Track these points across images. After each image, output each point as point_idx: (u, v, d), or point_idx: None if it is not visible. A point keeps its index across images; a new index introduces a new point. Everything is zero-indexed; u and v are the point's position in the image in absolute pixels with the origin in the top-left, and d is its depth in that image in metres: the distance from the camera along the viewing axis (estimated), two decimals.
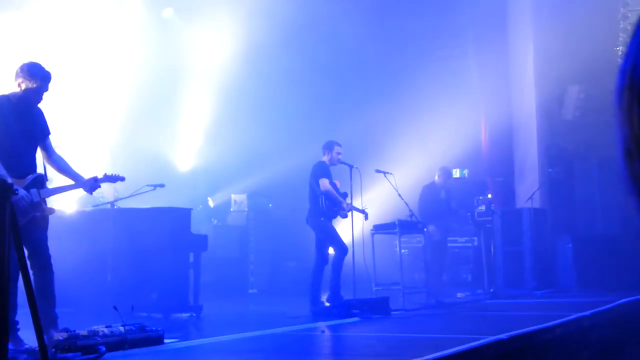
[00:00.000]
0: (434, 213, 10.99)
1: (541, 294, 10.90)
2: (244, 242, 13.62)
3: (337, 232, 9.11)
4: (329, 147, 9.24)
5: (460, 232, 11.74)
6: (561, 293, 11.04)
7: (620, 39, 12.62)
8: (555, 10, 12.94)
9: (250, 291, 13.25)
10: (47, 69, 5.78)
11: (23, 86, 5.69)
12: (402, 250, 10.87)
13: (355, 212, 9.33)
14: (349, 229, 9.23)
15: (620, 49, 12.68)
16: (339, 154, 9.23)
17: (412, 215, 10.43)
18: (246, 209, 13.76)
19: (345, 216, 9.24)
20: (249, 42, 13.56)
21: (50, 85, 5.79)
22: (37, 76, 5.71)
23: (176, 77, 13.69)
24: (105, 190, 9.86)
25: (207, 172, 14.35)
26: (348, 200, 9.24)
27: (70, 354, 4.81)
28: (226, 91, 13.62)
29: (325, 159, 9.22)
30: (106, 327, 5.33)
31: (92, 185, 6.00)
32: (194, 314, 8.59)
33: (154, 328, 5.59)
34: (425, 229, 10.65)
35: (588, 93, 13.00)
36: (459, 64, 13.92)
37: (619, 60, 12.33)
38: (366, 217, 9.51)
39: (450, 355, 4.45)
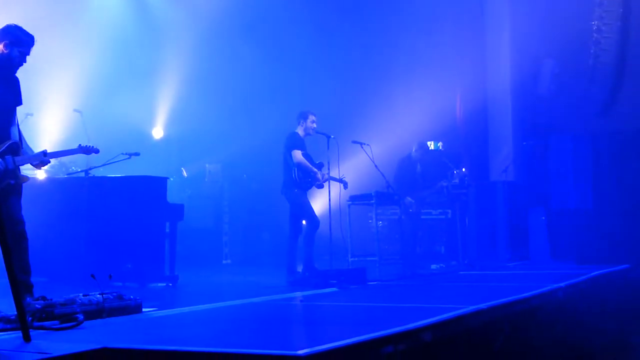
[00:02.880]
0: (409, 186, 10.99)
1: (514, 266, 11.00)
2: (219, 213, 13.57)
3: (310, 205, 9.12)
4: (303, 116, 9.22)
5: (435, 205, 11.74)
6: (534, 264, 11.15)
7: (596, 13, 12.65)
8: None
9: (224, 262, 13.22)
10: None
11: (6, 50, 5.53)
12: (378, 222, 10.87)
13: (333, 182, 9.29)
14: (326, 199, 9.21)
15: (595, 24, 12.72)
16: (313, 122, 9.20)
17: (388, 187, 10.44)
18: (220, 180, 13.67)
19: (321, 186, 9.24)
20: (225, 12, 13.43)
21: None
22: (22, 39, 5.56)
23: (151, 45, 13.49)
24: (78, 159, 9.71)
25: (181, 141, 14.21)
26: (325, 170, 9.20)
27: (47, 322, 4.72)
28: (201, 61, 13.48)
29: (300, 129, 9.20)
30: (84, 295, 5.25)
31: (41, 159, 5.87)
32: (170, 284, 8.53)
33: (132, 297, 5.51)
34: (401, 201, 10.65)
35: (563, 68, 13.04)
36: (435, 38, 13.86)
37: (594, 35, 12.42)
38: (345, 186, 9.51)
39: (432, 325, 4.44)
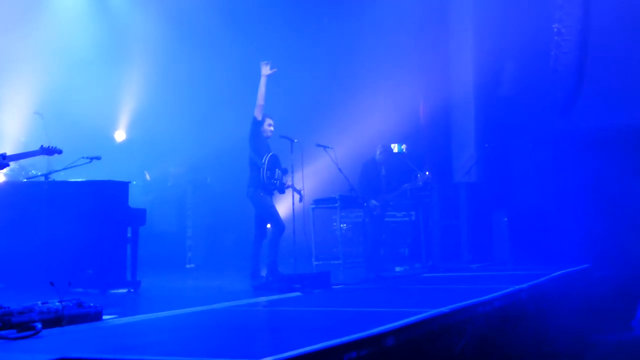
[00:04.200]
0: (374, 189, 11.00)
1: (477, 267, 11.07)
2: (182, 217, 13.45)
3: (275, 209, 9.10)
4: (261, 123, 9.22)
5: (399, 207, 11.81)
6: (496, 266, 11.24)
7: (556, 16, 12.79)
8: None
9: (187, 266, 13.11)
10: None
11: None
12: (342, 225, 10.88)
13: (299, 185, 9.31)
14: (290, 202, 9.21)
15: (556, 26, 12.87)
16: (270, 125, 9.21)
17: (352, 190, 10.46)
18: (184, 183, 13.56)
19: (283, 192, 9.24)
20: (188, 14, 13.35)
21: None
22: None
23: (113, 47, 13.34)
24: (39, 162, 9.56)
25: (144, 145, 14.05)
26: (289, 177, 9.19)
27: (3, 332, 4.63)
28: (164, 63, 13.36)
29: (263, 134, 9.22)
30: (42, 303, 5.15)
31: (0, 162, 5.75)
32: (132, 290, 8.42)
33: (92, 304, 5.43)
34: (365, 204, 10.66)
35: (524, 70, 13.16)
36: (398, 40, 13.91)
37: (555, 37, 12.56)
38: (301, 199, 9.45)
39: (394, 329, 4.44)
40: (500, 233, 11.86)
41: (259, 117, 9.06)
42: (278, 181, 9.08)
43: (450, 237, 11.72)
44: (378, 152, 11.27)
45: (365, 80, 14.16)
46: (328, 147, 10.05)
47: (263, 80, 9.03)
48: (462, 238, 11.65)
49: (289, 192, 9.32)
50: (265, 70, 9.03)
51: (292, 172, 9.27)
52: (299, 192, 9.41)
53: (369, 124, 13.13)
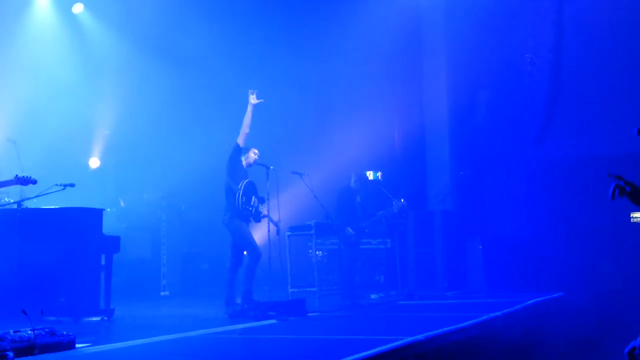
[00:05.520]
0: (349, 216, 11.00)
1: (452, 295, 11.12)
2: (157, 244, 13.35)
3: (251, 236, 9.10)
4: (245, 151, 9.27)
5: (374, 234, 11.82)
6: (471, 294, 11.30)
7: (530, 45, 13.00)
8: (468, 19, 13.22)
9: (162, 293, 13.00)
10: None
11: None
12: (318, 252, 10.89)
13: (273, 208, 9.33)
14: (265, 229, 9.22)
15: (529, 56, 13.08)
16: (255, 154, 9.30)
17: (328, 217, 10.48)
18: (159, 210, 13.50)
19: (259, 220, 9.24)
20: (160, 38, 13.39)
21: None
22: None
23: (86, 72, 13.31)
24: (12, 189, 9.48)
25: (118, 171, 14.00)
26: (265, 207, 9.23)
27: None
28: (139, 89, 13.34)
29: (243, 161, 9.26)
30: (14, 332, 5.10)
31: None
32: (105, 318, 8.35)
33: (64, 332, 5.38)
34: (341, 231, 10.67)
35: (498, 98, 13.33)
36: (372, 68, 14.04)
37: (528, 67, 12.75)
38: (277, 232, 9.44)
39: (369, 357, 4.45)
40: (475, 261, 11.93)
41: (242, 144, 9.11)
42: (254, 208, 9.08)
43: (426, 264, 11.75)
44: (353, 180, 11.28)
45: (341, 107, 14.28)
46: (303, 174, 10.07)
47: (250, 109, 9.11)
48: (438, 266, 11.69)
49: (265, 220, 9.31)
50: (253, 99, 9.11)
51: (269, 201, 9.27)
52: (275, 224, 9.40)
53: (344, 151, 13.20)
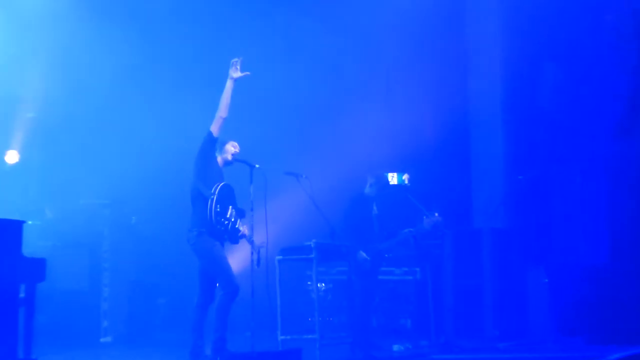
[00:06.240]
0: (363, 234, 10.98)
1: (506, 347, 11.04)
2: (96, 270, 13.30)
3: (226, 261, 9.05)
4: (220, 145, 9.31)
5: (398, 261, 11.78)
6: (532, 346, 11.24)
7: (611, 4, 12.96)
8: None
9: (102, 339, 12.95)
10: None
11: None
12: (319, 284, 10.84)
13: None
14: (246, 251, 9.16)
15: (611, 18, 13.03)
16: (235, 147, 9.34)
17: (333, 235, 10.42)
18: (100, 224, 13.44)
19: (236, 241, 9.25)
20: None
21: None
22: None
23: (5, 31, 13.31)
24: None
25: (45, 170, 13.96)
26: (246, 225, 9.18)
27: None
28: (74, 54, 13.39)
29: (219, 160, 9.29)
30: None
31: None
32: None
33: None
34: (351, 255, 10.62)
35: (569, 75, 13.29)
36: (398, 39, 14.05)
37: (612, 35, 12.69)
38: (258, 263, 9.30)
39: None
40: (538, 299, 11.86)
41: (216, 133, 9.06)
42: (230, 223, 9.01)
43: (469, 303, 11.72)
44: (369, 184, 11.28)
45: (354, 89, 14.25)
46: (301, 176, 10.08)
47: (229, 85, 9.11)
48: (486, 305, 11.63)
49: (245, 242, 9.27)
50: (235, 71, 9.08)
51: (252, 215, 9.19)
52: (257, 249, 9.29)
53: (358, 146, 13.15)
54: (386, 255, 11.41)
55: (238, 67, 9.11)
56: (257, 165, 9.31)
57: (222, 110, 9.07)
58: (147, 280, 13.90)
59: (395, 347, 11.12)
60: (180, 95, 13.72)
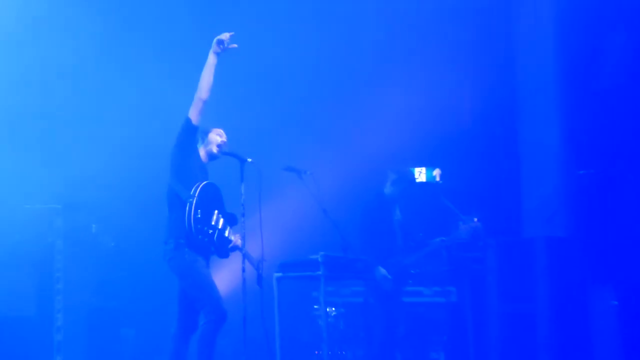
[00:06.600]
0: (383, 246, 10.93)
1: None
2: (46, 293, 13.27)
3: (210, 280, 9.08)
4: (202, 134, 9.39)
5: (426, 279, 11.74)
6: None
7: None
8: None
9: None
10: None
11: None
12: (328, 309, 10.81)
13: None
14: (237, 267, 9.09)
15: None
16: (220, 136, 9.43)
17: (345, 246, 10.35)
18: (51, 233, 13.39)
19: (226, 255, 9.34)
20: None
21: None
22: None
23: None
24: None
25: None
26: (238, 234, 9.19)
27: None
28: (19, 21, 13.38)
29: (201, 151, 9.38)
30: None
31: None
32: None
33: None
34: (368, 272, 10.56)
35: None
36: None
37: None
38: (259, 281, 9.23)
39: None
40: (604, 326, 11.79)
41: (196, 120, 9.05)
42: (216, 232, 8.98)
43: (519, 332, 11.65)
44: (390, 182, 11.27)
45: (369, 60, 14.33)
46: (305, 172, 10.10)
47: (212, 60, 9.09)
48: (540, 335, 11.56)
49: (237, 256, 9.19)
50: (215, 46, 9.08)
51: (244, 221, 9.13)
52: (256, 263, 9.27)
53: (376, 133, 13.12)
54: (412, 272, 11.40)
55: (227, 38, 9.06)
56: (249, 159, 9.26)
57: (202, 91, 9.05)
58: (110, 305, 13.90)
59: None
60: (154, 77, 13.76)
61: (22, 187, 13.65)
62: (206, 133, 9.33)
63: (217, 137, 9.33)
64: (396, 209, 11.35)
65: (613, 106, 13.27)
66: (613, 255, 12.40)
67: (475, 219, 11.50)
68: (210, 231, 8.97)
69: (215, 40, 9.03)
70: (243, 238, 9.18)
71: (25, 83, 13.41)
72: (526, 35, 14.09)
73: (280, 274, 10.23)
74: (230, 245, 9.21)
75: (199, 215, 8.81)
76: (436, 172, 13.30)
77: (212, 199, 9.07)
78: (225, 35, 9.04)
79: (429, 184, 13.10)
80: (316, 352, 11.16)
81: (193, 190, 8.86)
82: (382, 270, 10.77)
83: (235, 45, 9.09)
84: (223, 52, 9.05)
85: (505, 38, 14.23)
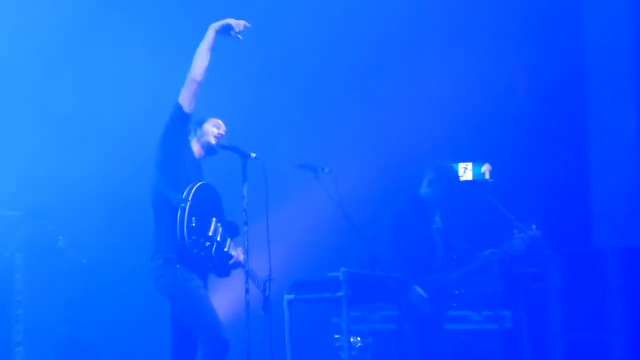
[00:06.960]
0: (419, 260, 10.98)
1: None
2: (4, 319, 13.37)
3: (210, 304, 9.09)
4: (195, 125, 9.42)
5: (476, 300, 11.79)
6: None
7: None
8: None
9: None
10: None
11: None
12: (352, 338, 10.86)
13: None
14: (239, 287, 9.15)
15: None
16: (218, 127, 9.43)
17: (373, 261, 10.40)
18: (10, 246, 13.51)
19: (227, 273, 9.38)
20: None
21: None
22: None
23: None
24: None
25: None
26: (240, 248, 9.22)
27: None
28: None
29: (194, 145, 9.41)
30: None
31: None
32: None
33: None
34: (402, 293, 10.62)
35: None
36: None
37: None
38: (265, 306, 9.30)
39: None
40: None
41: (188, 106, 9.06)
42: (215, 244, 9.01)
43: None
44: (428, 182, 11.31)
45: (396, 37, 14.34)
46: (322, 170, 10.07)
47: (210, 36, 9.10)
48: None
49: (238, 274, 9.26)
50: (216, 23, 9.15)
51: (247, 232, 9.17)
52: (262, 285, 9.34)
53: (405, 123, 13.18)
54: (457, 292, 11.41)
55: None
56: (253, 155, 9.26)
57: (196, 71, 9.02)
58: (82, 335, 13.97)
59: None
60: (133, 72, 13.90)
61: None
62: (200, 123, 9.31)
63: (213, 128, 9.28)
64: (435, 214, 11.34)
65: None
66: None
67: (534, 226, 11.54)
68: (208, 243, 8.91)
69: (225, 20, 9.08)
70: (246, 252, 9.11)
71: None
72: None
73: (292, 296, 10.23)
74: (231, 261, 9.17)
75: (194, 224, 8.76)
76: (485, 168, 13.35)
77: (208, 204, 9.06)
78: (239, 26, 9.09)
79: (476, 182, 13.15)
80: None
81: (185, 193, 8.82)
82: (419, 290, 10.81)
83: (240, 37, 9.13)
84: (222, 35, 9.13)
85: (567, 11, 14.31)
